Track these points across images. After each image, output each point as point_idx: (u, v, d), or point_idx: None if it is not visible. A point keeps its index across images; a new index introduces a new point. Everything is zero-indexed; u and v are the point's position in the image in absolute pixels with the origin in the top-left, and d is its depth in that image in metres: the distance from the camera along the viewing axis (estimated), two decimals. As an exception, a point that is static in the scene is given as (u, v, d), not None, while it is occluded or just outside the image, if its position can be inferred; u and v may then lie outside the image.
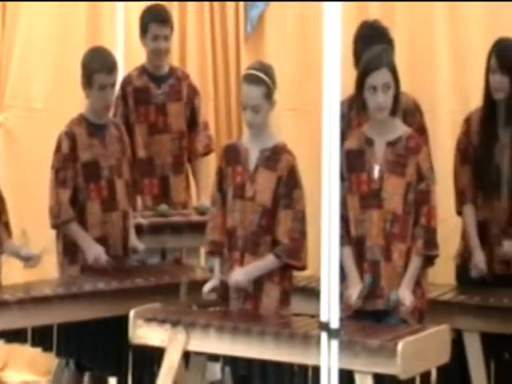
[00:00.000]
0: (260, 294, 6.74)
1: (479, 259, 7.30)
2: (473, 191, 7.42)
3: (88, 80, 7.48)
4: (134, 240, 7.78)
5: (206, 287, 6.82)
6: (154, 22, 8.44)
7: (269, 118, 6.81)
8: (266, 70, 6.83)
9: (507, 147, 7.40)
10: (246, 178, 6.82)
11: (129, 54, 8.97)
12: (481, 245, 7.44)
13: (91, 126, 7.58)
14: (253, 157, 6.85)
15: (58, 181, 7.47)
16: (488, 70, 7.40)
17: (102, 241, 7.52)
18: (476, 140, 7.49)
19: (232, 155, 6.93)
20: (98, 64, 7.49)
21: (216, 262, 6.90)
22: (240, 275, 6.70)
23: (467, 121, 7.59)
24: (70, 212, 7.43)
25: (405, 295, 6.52)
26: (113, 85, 7.60)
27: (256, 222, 6.73)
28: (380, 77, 6.59)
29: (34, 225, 8.11)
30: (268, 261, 6.74)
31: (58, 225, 7.49)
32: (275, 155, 6.63)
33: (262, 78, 6.74)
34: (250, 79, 6.79)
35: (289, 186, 6.61)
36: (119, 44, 9.01)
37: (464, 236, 7.54)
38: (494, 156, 7.41)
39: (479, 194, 7.44)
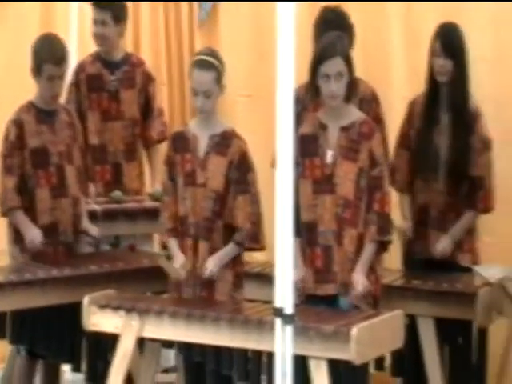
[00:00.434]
0: (214, 280, 6.79)
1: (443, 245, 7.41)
2: (409, 177, 7.55)
3: (37, 68, 7.44)
4: (86, 224, 7.73)
5: (178, 263, 6.82)
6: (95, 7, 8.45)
7: (217, 103, 6.89)
8: (215, 55, 6.92)
9: (446, 130, 7.48)
10: (197, 165, 6.87)
11: (82, 40, 8.93)
12: (421, 227, 7.57)
13: (40, 112, 7.56)
14: (202, 143, 6.90)
15: (5, 168, 7.47)
16: (432, 54, 7.51)
17: (52, 227, 7.48)
18: (418, 123, 7.60)
19: (180, 143, 6.99)
20: (47, 54, 7.44)
21: (174, 242, 6.91)
22: (215, 266, 6.74)
23: (411, 104, 7.72)
24: (15, 199, 7.41)
25: (358, 280, 6.54)
26: (61, 76, 7.54)
27: (209, 208, 6.77)
28: (333, 66, 6.62)
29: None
30: (230, 249, 6.83)
31: (4, 212, 7.49)
32: (225, 140, 6.68)
33: (213, 63, 6.82)
34: (201, 64, 6.84)
35: (242, 171, 6.71)
36: (72, 31, 8.99)
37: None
38: (433, 139, 7.51)
39: (418, 178, 7.53)
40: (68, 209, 7.57)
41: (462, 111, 7.47)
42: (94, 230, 7.69)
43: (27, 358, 7.47)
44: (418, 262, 7.61)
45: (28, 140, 7.47)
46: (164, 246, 7.06)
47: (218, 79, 6.81)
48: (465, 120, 7.47)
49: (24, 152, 7.47)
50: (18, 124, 7.47)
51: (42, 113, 7.55)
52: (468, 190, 7.54)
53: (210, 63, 6.84)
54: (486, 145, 7.51)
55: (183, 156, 6.94)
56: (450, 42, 7.47)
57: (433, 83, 7.54)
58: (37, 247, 7.36)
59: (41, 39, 7.59)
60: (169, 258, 7.06)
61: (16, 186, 7.41)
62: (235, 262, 6.91)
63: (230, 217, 6.82)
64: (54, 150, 7.53)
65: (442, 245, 7.43)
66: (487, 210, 7.57)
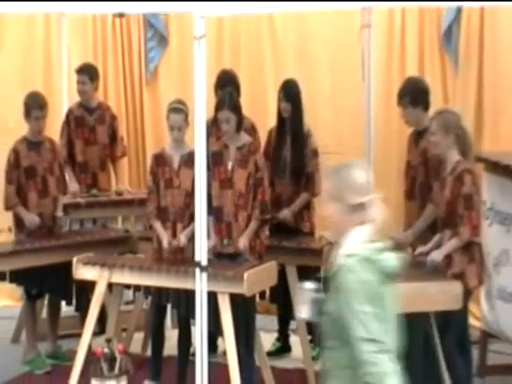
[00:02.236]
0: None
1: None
2: (270, 176, 7.15)
3: (27, 113, 7.34)
4: (58, 212, 7.49)
5: (165, 241, 6.66)
6: (80, 72, 8.15)
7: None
8: (183, 103, 6.77)
9: (289, 147, 7.36)
10: (173, 174, 6.76)
11: (71, 92, 8.49)
12: (276, 207, 7.31)
13: (30, 143, 7.42)
14: (175, 160, 6.79)
15: (7, 180, 7.38)
16: (278, 100, 7.40)
17: (39, 216, 7.35)
18: (273, 143, 7.49)
19: (159, 160, 6.85)
20: (34, 102, 7.33)
21: (158, 224, 6.76)
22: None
23: (269, 132, 7.58)
24: (15, 199, 7.35)
25: (240, 242, 6.61)
26: (44, 117, 7.39)
27: (182, 202, 6.68)
28: (223, 115, 6.69)
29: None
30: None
31: (9, 208, 7.42)
32: (191, 157, 6.29)
33: (182, 109, 6.73)
34: (175, 110, 6.76)
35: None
36: (64, 88, 8.61)
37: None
38: (282, 153, 7.38)
39: (275, 176, 7.33)
40: (49, 205, 7.44)
41: (299, 134, 7.38)
42: (59, 214, 7.48)
43: (31, 299, 7.40)
44: (278, 228, 7.38)
45: (22, 161, 7.36)
46: (150, 227, 7.01)
47: (186, 119, 6.70)
48: (300, 139, 7.38)
49: (19, 169, 7.37)
50: (15, 152, 7.38)
51: (31, 143, 7.42)
52: (305, 182, 7.40)
53: (181, 109, 6.73)
54: (315, 153, 7.42)
55: (163, 168, 6.81)
56: (289, 92, 7.36)
57: (280, 118, 7.45)
58: (35, 225, 7.29)
59: (29, 94, 7.44)
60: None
61: (15, 191, 7.37)
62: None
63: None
64: (40, 167, 7.40)
65: (283, 214, 7.31)
66: (316, 194, 7.41)
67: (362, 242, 3.88)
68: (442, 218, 6.21)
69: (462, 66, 8.05)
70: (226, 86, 7.28)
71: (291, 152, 7.43)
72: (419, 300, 5.90)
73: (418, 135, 6.79)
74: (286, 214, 7.35)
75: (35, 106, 7.37)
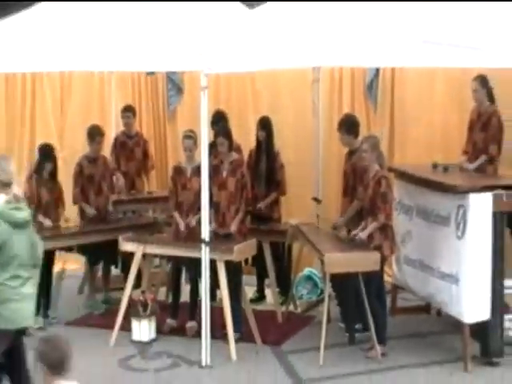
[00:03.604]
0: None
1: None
2: (252, 180, 6.96)
3: (90, 139, 7.19)
4: (109, 206, 7.36)
5: (181, 225, 6.52)
6: (125, 111, 8.06)
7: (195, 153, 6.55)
8: (193, 132, 6.55)
9: (264, 162, 7.22)
10: (186, 180, 6.63)
11: (117, 125, 8.28)
12: (255, 204, 7.15)
13: (90, 159, 7.27)
14: (188, 171, 6.65)
15: (74, 184, 7.23)
16: (257, 130, 7.28)
17: (96, 209, 7.21)
18: (254, 159, 7.29)
19: (177, 171, 6.73)
20: (95, 132, 7.19)
21: (177, 214, 6.61)
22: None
23: (250, 152, 7.37)
24: (79, 197, 7.21)
25: (233, 226, 6.48)
26: (101, 141, 7.26)
27: (193, 199, 6.50)
28: (219, 140, 6.59)
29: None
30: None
31: (75, 203, 7.28)
32: (199, 169, 6.03)
33: (193, 136, 6.55)
34: (188, 136, 6.62)
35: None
36: (113, 121, 8.37)
37: None
38: (260, 166, 7.23)
39: (255, 181, 7.08)
40: (103, 201, 7.30)
41: (270, 153, 7.25)
42: (110, 207, 7.37)
43: (91, 264, 7.35)
44: (257, 217, 7.15)
45: (84, 171, 7.22)
46: (171, 216, 6.79)
47: (195, 143, 6.49)
48: (272, 156, 7.24)
49: (83, 177, 7.22)
50: (79, 165, 7.23)
51: (91, 159, 7.26)
52: (275, 186, 7.24)
53: (191, 136, 6.57)
54: (282, 166, 7.27)
55: (179, 177, 6.68)
56: (264, 124, 7.25)
57: (258, 142, 7.30)
58: (93, 215, 7.18)
59: (91, 126, 7.31)
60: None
61: (80, 191, 7.20)
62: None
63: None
64: (96, 175, 7.26)
65: (260, 205, 7.12)
66: (283, 193, 7.33)
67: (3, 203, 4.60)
68: (366, 209, 6.20)
69: (379, 107, 8.02)
70: (219, 120, 7.18)
71: (266, 165, 7.32)
72: (351, 264, 5.93)
73: (351, 153, 6.77)
74: (261, 206, 7.26)
75: (95, 134, 7.29)
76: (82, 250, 7.18)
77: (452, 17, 5.43)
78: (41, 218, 6.83)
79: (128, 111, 8.11)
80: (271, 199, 7.34)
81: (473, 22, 5.40)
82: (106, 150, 7.97)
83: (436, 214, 6.19)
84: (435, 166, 6.69)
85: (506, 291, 5.90)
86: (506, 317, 5.98)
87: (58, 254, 7.19)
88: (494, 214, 5.72)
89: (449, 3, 5.57)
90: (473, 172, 6.67)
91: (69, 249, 7.12)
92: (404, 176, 6.78)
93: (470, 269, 5.76)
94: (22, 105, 8.88)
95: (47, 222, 6.85)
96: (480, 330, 5.86)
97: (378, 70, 7.86)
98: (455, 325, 6.04)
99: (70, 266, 8.47)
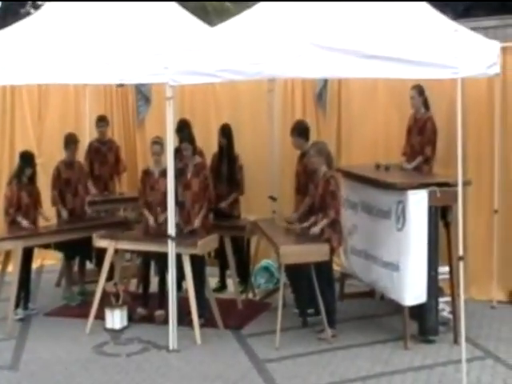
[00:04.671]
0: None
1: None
2: (214, 181, 6.86)
3: (66, 145, 7.16)
4: (85, 207, 7.25)
5: (151, 220, 6.48)
6: (99, 121, 7.98)
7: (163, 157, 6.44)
8: (160, 138, 6.50)
9: (226, 164, 7.22)
10: (154, 182, 6.60)
11: (91, 133, 8.26)
12: (219, 201, 7.05)
13: (67, 163, 7.21)
14: (156, 173, 6.62)
15: (53, 187, 7.16)
16: (219, 136, 7.26)
17: (72, 210, 7.17)
18: (216, 163, 7.27)
19: (147, 173, 6.69)
20: (70, 139, 7.13)
21: (147, 212, 6.55)
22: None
23: (213, 156, 7.32)
24: (57, 200, 7.13)
25: (196, 222, 6.41)
26: (76, 148, 7.21)
27: (160, 199, 6.39)
28: (184, 145, 6.54)
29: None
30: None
31: (54, 205, 7.17)
32: (165, 172, 5.87)
33: (160, 142, 6.50)
34: (156, 142, 6.58)
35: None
36: (87, 128, 8.38)
37: None
38: (221, 168, 7.23)
39: (217, 182, 7.00)
40: (79, 202, 7.24)
41: (231, 157, 7.25)
42: (86, 208, 7.27)
43: (67, 259, 7.27)
44: (219, 214, 7.04)
45: (62, 175, 7.16)
46: (141, 214, 6.72)
47: (162, 148, 6.41)
48: (232, 160, 7.24)
49: (60, 180, 7.16)
50: (57, 169, 7.17)
51: (68, 164, 7.20)
52: (236, 186, 7.22)
53: (159, 142, 6.53)
54: (241, 168, 7.25)
55: (148, 179, 6.65)
56: (225, 131, 7.26)
57: (220, 147, 7.29)
58: (67, 219, 7.09)
59: (67, 134, 7.22)
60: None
61: (58, 194, 7.13)
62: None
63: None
64: (73, 179, 7.20)
65: (221, 205, 7.07)
66: (242, 193, 7.30)
67: None
68: (317, 206, 6.21)
69: (327, 114, 8.03)
70: (183, 127, 7.14)
71: (227, 168, 7.30)
72: (304, 255, 5.96)
73: (302, 155, 6.76)
74: (223, 205, 7.26)
75: (71, 141, 7.24)
76: (59, 246, 7.10)
77: (390, 31, 5.49)
78: (19, 218, 6.74)
79: (102, 121, 8.07)
80: (232, 198, 7.32)
81: (408, 36, 5.46)
82: (82, 156, 7.89)
83: (378, 209, 6.23)
84: (378, 166, 6.75)
85: (440, 277, 5.93)
86: (441, 299, 6.05)
87: (36, 251, 7.11)
88: (430, 208, 5.77)
89: (387, 21, 5.66)
90: (411, 171, 6.73)
91: (46, 246, 7.04)
92: (350, 175, 6.82)
93: (408, 257, 5.82)
94: (3, 115, 8.71)
95: (25, 223, 6.75)
96: (418, 312, 5.93)
97: (326, 81, 7.89)
98: (396, 307, 6.10)
99: (48, 261, 8.39)
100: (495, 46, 6.12)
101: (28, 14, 13.83)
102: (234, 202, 7.37)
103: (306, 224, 6.22)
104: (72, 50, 6.05)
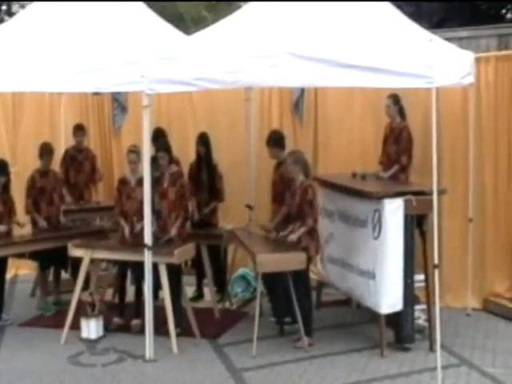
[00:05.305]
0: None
1: None
2: (194, 190, 7.04)
3: (40, 155, 7.13)
4: (60, 216, 7.23)
5: (127, 230, 6.39)
6: (76, 130, 7.98)
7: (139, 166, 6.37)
8: (137, 147, 6.48)
9: (205, 172, 7.24)
10: (131, 191, 6.55)
11: (67, 141, 8.27)
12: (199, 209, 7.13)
13: (41, 172, 7.18)
14: (132, 182, 6.57)
15: (27, 196, 7.14)
16: (197, 145, 7.25)
17: (47, 219, 7.15)
18: (195, 171, 7.24)
19: (122, 182, 6.65)
20: (45, 149, 7.14)
21: (123, 221, 6.49)
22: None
23: (190, 165, 7.29)
24: (31, 208, 7.10)
25: (173, 231, 6.35)
26: (51, 158, 7.18)
27: (137, 207, 6.29)
28: (160, 154, 6.55)
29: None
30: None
31: (28, 213, 7.14)
32: (142, 180, 5.87)
33: (137, 150, 6.47)
34: (132, 151, 6.55)
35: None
36: (62, 137, 8.41)
37: None
38: (201, 177, 7.23)
39: (196, 190, 7.00)
40: (54, 211, 7.20)
41: (210, 165, 7.27)
42: (61, 217, 7.23)
43: (42, 269, 7.22)
44: (196, 222, 7.10)
45: (36, 184, 7.14)
46: (117, 223, 6.62)
47: (138, 157, 6.40)
48: (211, 168, 7.24)
49: (35, 189, 7.14)
50: (32, 178, 7.15)
51: (42, 172, 7.18)
52: (215, 194, 7.25)
53: (135, 150, 6.50)
54: (220, 177, 7.28)
55: (125, 187, 6.59)
56: (203, 139, 7.25)
57: (198, 156, 7.29)
58: (44, 227, 7.08)
59: (42, 144, 7.17)
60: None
61: (32, 203, 7.11)
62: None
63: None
64: (48, 187, 7.18)
65: (200, 214, 7.14)
66: (221, 201, 7.32)
67: None
68: (294, 215, 6.23)
69: (304, 123, 8.07)
70: (159, 136, 7.12)
71: (206, 176, 7.30)
72: (280, 264, 5.96)
73: (279, 164, 6.79)
74: (205, 212, 7.25)
75: (46, 151, 7.21)
76: (34, 256, 7.06)
77: (366, 41, 5.53)
78: (-5, 225, 6.73)
79: (80, 130, 8.04)
80: (213, 206, 7.33)
81: (384, 45, 5.51)
82: (57, 163, 7.83)
83: (355, 218, 6.26)
84: (354, 174, 6.80)
85: (416, 285, 5.97)
86: (416, 307, 6.09)
87: (10, 260, 7.06)
88: (406, 217, 5.82)
89: (365, 30, 5.71)
90: (387, 180, 6.79)
91: (21, 255, 6.99)
92: (327, 184, 6.86)
93: (384, 266, 5.85)
94: (-23, 123, 8.73)
95: (2, 228, 6.70)
96: (394, 320, 5.97)
97: (303, 90, 7.92)
98: (372, 316, 6.14)
99: (23, 271, 8.33)
100: (469, 56, 6.25)
101: (2, 21, 13.63)
102: (212, 210, 7.37)
103: (284, 233, 6.20)
104: (47, 58, 6.01)
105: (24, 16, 6.93)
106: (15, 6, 16.82)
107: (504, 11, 14.62)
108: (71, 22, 6.40)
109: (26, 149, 8.43)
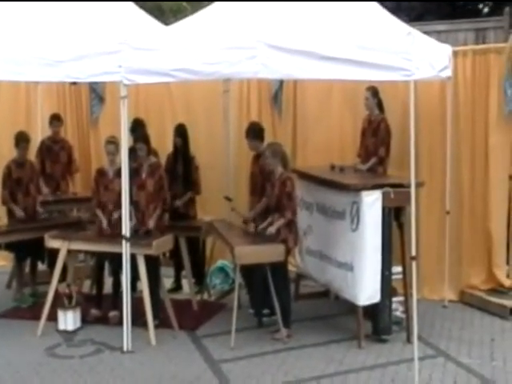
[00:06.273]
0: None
1: None
2: (170, 181, 6.85)
3: (17, 144, 7.07)
4: (37, 207, 7.18)
5: (104, 222, 6.38)
6: (52, 119, 7.91)
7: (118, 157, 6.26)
8: (115, 137, 6.38)
9: (181, 165, 7.22)
10: (108, 182, 6.52)
11: (43, 131, 8.20)
12: (173, 201, 7.02)
13: (17, 163, 7.13)
14: (110, 173, 6.53)
15: (3, 187, 7.09)
16: (174, 136, 7.24)
17: (24, 210, 7.10)
18: (171, 162, 7.25)
19: (100, 173, 6.59)
20: (21, 138, 7.08)
21: (100, 212, 6.46)
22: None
23: (168, 156, 7.31)
24: (8, 199, 7.07)
25: (151, 223, 6.39)
26: (27, 147, 7.12)
27: (115, 199, 6.28)
28: (139, 145, 6.48)
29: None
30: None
31: (4, 204, 7.13)
32: (120, 171, 5.81)
33: (115, 141, 6.39)
34: (110, 141, 6.48)
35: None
36: (39, 127, 8.30)
37: None
38: (177, 168, 7.22)
39: (172, 182, 6.99)
40: (30, 202, 7.16)
41: (187, 157, 7.25)
42: (37, 207, 7.21)
43: (19, 260, 7.20)
44: (174, 214, 7.01)
45: (13, 174, 7.10)
46: (94, 214, 6.59)
47: (117, 147, 6.30)
48: (188, 160, 7.23)
49: (11, 180, 7.10)
50: (8, 168, 7.10)
51: (18, 163, 7.13)
52: (191, 186, 7.22)
53: (113, 141, 6.43)
54: (197, 168, 7.27)
55: (102, 178, 6.55)
56: (180, 131, 7.24)
57: (175, 147, 7.28)
58: (21, 217, 7.04)
59: (18, 133, 7.12)
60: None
61: (8, 193, 7.07)
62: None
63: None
64: (24, 178, 7.13)
65: (176, 204, 7.07)
66: (198, 193, 7.31)
67: None
68: (273, 206, 6.26)
69: (283, 115, 8.08)
70: (137, 127, 7.11)
71: (182, 168, 7.30)
72: (259, 256, 5.98)
73: (257, 156, 6.80)
74: (178, 204, 7.25)
75: (22, 140, 7.14)
76: (10, 247, 7.02)
77: (344, 33, 5.53)
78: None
79: (57, 120, 7.96)
80: (187, 198, 7.32)
81: (362, 38, 5.52)
82: (33, 154, 7.76)
83: (333, 210, 6.29)
84: (333, 167, 6.83)
85: (394, 277, 6.01)
86: (394, 299, 6.13)
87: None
88: (383, 209, 5.83)
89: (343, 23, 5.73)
90: (365, 172, 6.81)
91: (-3, 246, 6.96)
92: (305, 176, 6.87)
93: (362, 258, 5.87)
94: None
95: None
96: (372, 312, 6.01)
97: (281, 82, 7.92)
98: (350, 307, 6.15)
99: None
100: (447, 49, 6.30)
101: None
102: (189, 202, 7.35)
103: (263, 225, 6.26)
104: (24, 47, 5.92)
105: (0, 5, 6.84)
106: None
107: (481, 6, 14.80)
108: (49, 11, 6.33)
109: (1, 139, 8.34)
